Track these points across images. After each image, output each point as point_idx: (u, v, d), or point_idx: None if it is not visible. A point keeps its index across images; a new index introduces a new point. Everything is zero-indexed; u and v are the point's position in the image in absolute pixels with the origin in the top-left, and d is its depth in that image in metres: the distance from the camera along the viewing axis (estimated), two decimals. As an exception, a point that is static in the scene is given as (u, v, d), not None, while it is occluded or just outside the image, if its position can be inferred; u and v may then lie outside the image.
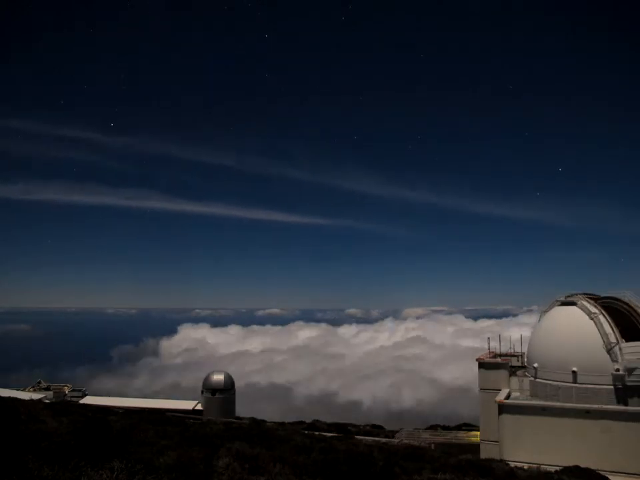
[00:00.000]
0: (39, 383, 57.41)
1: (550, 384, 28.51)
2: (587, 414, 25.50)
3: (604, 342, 26.33)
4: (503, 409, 27.76)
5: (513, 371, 32.08)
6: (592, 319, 27.35)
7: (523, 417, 27.13)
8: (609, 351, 26.08)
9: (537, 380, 29.52)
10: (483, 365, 32.26)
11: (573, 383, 27.17)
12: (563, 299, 30.79)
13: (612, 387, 25.91)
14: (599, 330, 26.69)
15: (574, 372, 27.09)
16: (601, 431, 24.98)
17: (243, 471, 11.12)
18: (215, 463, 11.42)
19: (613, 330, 26.38)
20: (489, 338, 35.12)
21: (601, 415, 25.22)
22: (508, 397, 29.55)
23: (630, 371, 25.43)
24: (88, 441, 11.22)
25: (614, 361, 25.84)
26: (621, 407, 25.36)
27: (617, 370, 25.63)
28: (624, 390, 25.69)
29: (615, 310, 28.48)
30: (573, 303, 29.61)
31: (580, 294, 30.24)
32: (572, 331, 28.30)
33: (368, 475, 12.78)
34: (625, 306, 28.23)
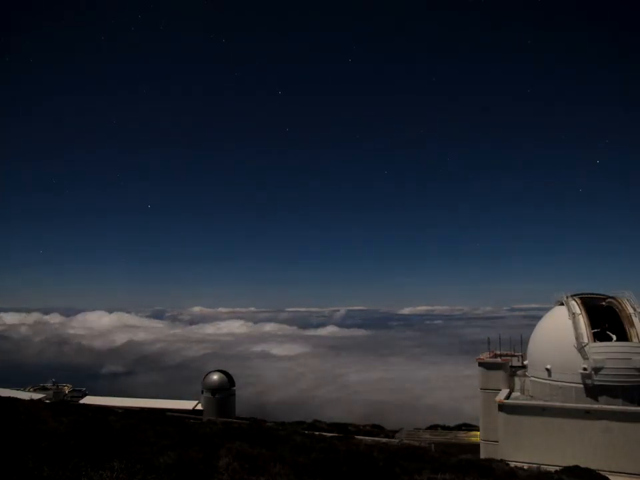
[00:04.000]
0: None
1: (534, 381, 29.65)
2: (587, 414, 25.56)
3: (576, 341, 27.03)
4: (502, 408, 27.79)
5: (513, 371, 32.18)
6: (571, 319, 28.02)
7: (523, 417, 27.17)
8: (580, 350, 26.80)
9: (528, 378, 30.51)
10: (483, 364, 32.24)
11: (547, 379, 28.37)
12: (561, 299, 30.86)
13: (582, 385, 26.69)
14: (575, 330, 27.42)
15: (548, 369, 28.24)
16: (601, 431, 25.04)
17: (243, 471, 11.10)
18: (215, 463, 11.40)
19: (586, 330, 27.10)
20: (488, 338, 35.13)
21: (600, 414, 25.29)
22: (508, 396, 29.62)
23: (596, 370, 26.15)
24: (88, 440, 11.23)
25: (585, 359, 26.56)
26: (621, 407, 25.41)
27: (585, 369, 26.41)
28: (592, 388, 26.37)
29: (612, 310, 28.80)
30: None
31: (583, 294, 30.38)
32: (555, 330, 29.19)
33: (368, 475, 12.77)
34: (619, 306, 28.45)
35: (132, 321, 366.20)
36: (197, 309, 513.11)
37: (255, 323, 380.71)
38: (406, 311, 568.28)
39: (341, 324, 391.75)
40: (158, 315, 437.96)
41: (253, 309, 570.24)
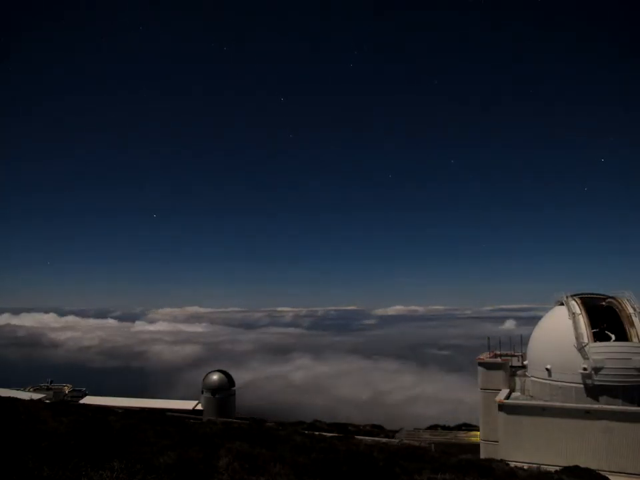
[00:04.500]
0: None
1: (534, 381, 29.79)
2: (587, 414, 25.57)
3: (576, 341, 27.09)
4: (502, 408, 27.81)
5: (513, 371, 32.19)
6: (571, 319, 28.09)
7: (523, 417, 27.18)
8: (580, 350, 26.87)
9: (528, 378, 30.69)
10: (483, 364, 32.27)
11: (547, 379, 28.47)
12: (562, 299, 30.91)
13: (582, 385, 26.76)
14: (575, 330, 27.49)
15: (548, 369, 28.33)
16: (601, 431, 25.05)
17: (243, 471, 11.11)
18: (215, 463, 11.41)
19: (586, 330, 27.15)
20: (488, 338, 35.13)
21: (600, 414, 25.30)
22: (508, 396, 29.63)
23: (596, 370, 26.23)
24: (88, 440, 11.24)
25: (585, 359, 26.62)
26: (621, 407, 25.43)
27: (585, 369, 26.48)
28: (592, 388, 26.45)
29: (612, 310, 28.87)
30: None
31: (583, 294, 30.44)
32: (555, 330, 29.29)
33: (368, 475, 12.77)
34: (619, 306, 28.51)
35: (83, 323, 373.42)
36: (167, 310, 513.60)
37: (212, 323, 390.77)
38: (380, 311, 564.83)
39: (287, 324, 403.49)
40: (130, 317, 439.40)
41: (236, 308, 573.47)
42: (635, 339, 26.46)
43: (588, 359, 26.43)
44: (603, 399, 26.15)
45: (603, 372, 26.14)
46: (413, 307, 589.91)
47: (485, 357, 33.41)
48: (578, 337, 27.13)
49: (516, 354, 33.94)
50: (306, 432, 27.32)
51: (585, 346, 26.67)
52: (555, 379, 28.01)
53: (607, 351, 26.42)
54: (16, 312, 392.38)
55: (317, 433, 28.38)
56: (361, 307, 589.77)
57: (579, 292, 30.82)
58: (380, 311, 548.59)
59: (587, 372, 26.41)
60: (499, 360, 32.61)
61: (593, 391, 26.42)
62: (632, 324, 27.09)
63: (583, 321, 27.59)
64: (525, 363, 31.79)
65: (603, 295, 30.48)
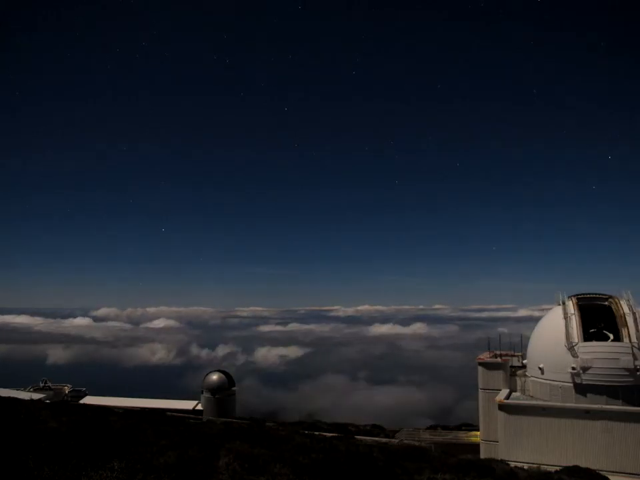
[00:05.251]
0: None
1: (534, 381, 30.05)
2: (587, 414, 25.59)
3: (566, 341, 27.42)
4: (502, 408, 27.82)
5: (513, 371, 32.22)
6: (564, 319, 28.42)
7: (523, 417, 27.19)
8: (570, 349, 27.19)
9: (528, 378, 30.93)
10: (483, 364, 32.28)
11: (543, 379, 28.86)
12: (560, 299, 30.98)
13: (571, 384, 27.10)
14: (565, 329, 27.85)
15: (540, 368, 28.86)
16: (601, 431, 25.07)
17: (243, 471, 11.12)
18: (215, 463, 11.42)
19: (577, 330, 27.50)
20: (489, 338, 35.17)
21: (600, 414, 25.31)
22: (508, 396, 29.66)
23: (584, 369, 26.54)
24: (88, 440, 11.25)
25: (574, 358, 26.97)
26: (621, 407, 25.44)
27: (573, 368, 26.79)
28: (581, 387, 26.80)
29: (610, 310, 28.93)
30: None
31: (584, 294, 30.50)
32: (550, 330, 29.60)
33: (368, 475, 12.79)
34: (616, 305, 28.64)
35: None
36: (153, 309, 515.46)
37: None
38: (349, 310, 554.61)
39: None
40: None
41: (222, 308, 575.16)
42: (626, 339, 26.54)
43: (577, 358, 26.73)
44: (594, 398, 26.41)
45: (590, 371, 26.43)
46: (379, 307, 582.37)
47: (485, 356, 33.40)
48: (568, 336, 27.45)
49: (516, 354, 33.96)
50: (306, 432, 27.34)
51: (575, 345, 26.97)
52: (547, 378, 28.41)
53: (596, 350, 26.71)
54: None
55: (317, 433, 28.40)
56: (335, 307, 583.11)
57: (580, 292, 30.85)
58: (349, 310, 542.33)
59: (575, 371, 26.72)
60: (498, 360, 32.61)
61: (582, 390, 26.75)
62: (625, 324, 27.19)
63: (575, 320, 27.88)
64: (525, 362, 31.87)
65: (604, 295, 30.48)
